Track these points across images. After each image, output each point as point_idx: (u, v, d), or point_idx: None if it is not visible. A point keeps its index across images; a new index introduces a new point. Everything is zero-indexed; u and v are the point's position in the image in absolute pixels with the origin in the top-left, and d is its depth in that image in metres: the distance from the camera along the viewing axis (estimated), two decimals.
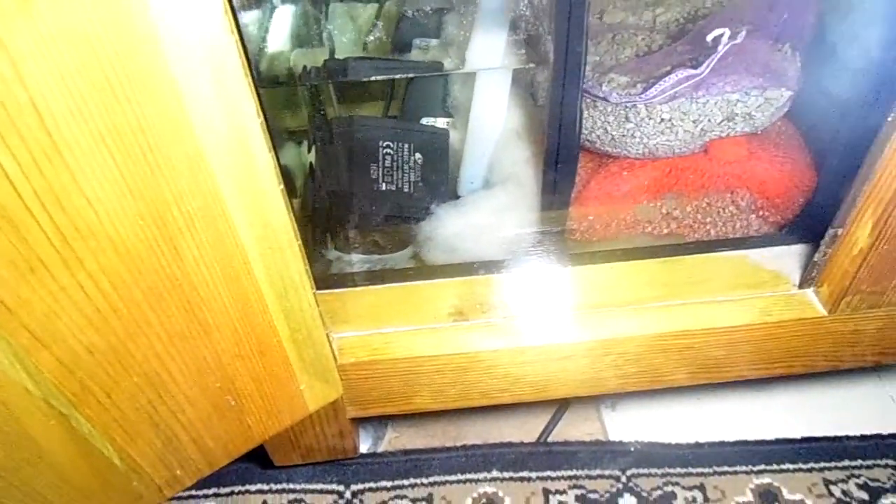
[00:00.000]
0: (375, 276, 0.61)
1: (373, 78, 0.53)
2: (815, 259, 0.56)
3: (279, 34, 0.59)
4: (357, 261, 0.66)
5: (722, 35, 0.50)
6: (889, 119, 0.46)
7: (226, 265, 0.39)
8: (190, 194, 0.35)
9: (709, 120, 0.54)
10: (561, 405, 0.74)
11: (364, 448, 0.71)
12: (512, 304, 0.58)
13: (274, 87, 0.54)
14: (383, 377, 0.58)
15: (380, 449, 0.72)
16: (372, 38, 0.60)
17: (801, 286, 0.58)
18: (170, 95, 0.32)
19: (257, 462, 0.68)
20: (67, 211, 0.32)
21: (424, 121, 0.61)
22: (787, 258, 0.60)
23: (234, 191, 0.37)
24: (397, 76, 0.56)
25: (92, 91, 0.29)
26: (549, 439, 0.71)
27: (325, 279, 0.60)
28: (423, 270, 0.62)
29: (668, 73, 0.53)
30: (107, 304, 0.36)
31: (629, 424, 0.72)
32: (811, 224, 0.58)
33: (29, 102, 0.28)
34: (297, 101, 0.64)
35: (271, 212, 0.40)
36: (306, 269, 0.46)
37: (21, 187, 0.30)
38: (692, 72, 0.51)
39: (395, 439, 0.73)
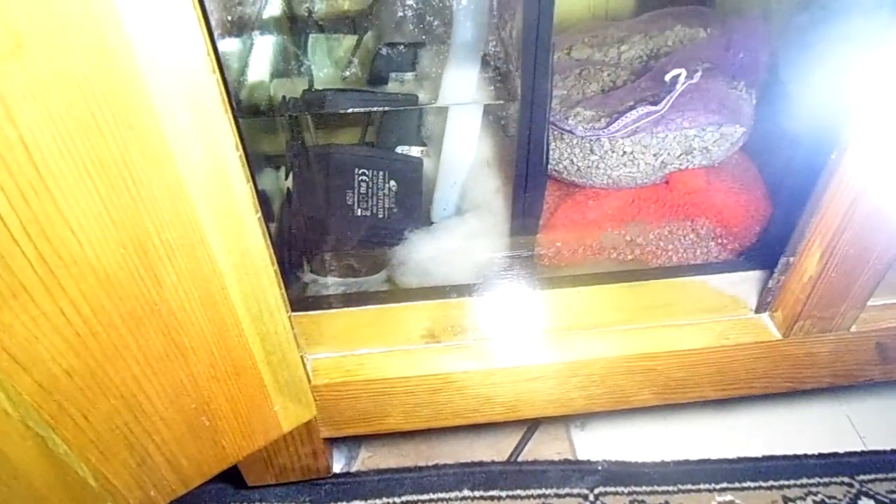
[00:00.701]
0: (350, 299, 0.63)
1: (350, 110, 0.55)
2: (770, 285, 0.59)
3: (259, 64, 0.61)
4: (332, 283, 0.67)
5: (679, 75, 0.53)
6: (832, 157, 0.49)
7: (203, 291, 0.41)
8: (170, 224, 0.37)
9: (668, 153, 0.57)
10: (531, 425, 0.76)
11: (337, 468, 0.72)
12: (483, 326, 0.60)
13: (254, 117, 0.56)
14: (356, 398, 0.59)
15: (353, 468, 0.73)
16: (349, 71, 0.62)
17: (757, 311, 0.61)
18: (153, 131, 0.33)
19: (231, 482, 0.69)
20: (52, 240, 0.33)
21: (399, 149, 0.63)
22: (745, 284, 0.63)
23: (213, 220, 0.39)
24: (373, 109, 0.58)
25: (79, 128, 0.31)
26: (520, 458, 0.73)
27: (300, 301, 0.61)
28: (397, 293, 0.64)
29: (631, 108, 0.56)
30: (86, 329, 0.37)
31: (597, 444, 0.74)
32: (767, 251, 0.61)
33: (18, 140, 0.29)
34: (275, 128, 0.66)
35: (248, 239, 0.41)
36: (281, 294, 0.47)
37: (7, 218, 0.31)
38: (652, 108, 0.54)
39: (369, 459, 0.74)
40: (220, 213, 0.39)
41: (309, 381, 0.56)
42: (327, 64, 0.64)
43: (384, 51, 0.62)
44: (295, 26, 0.65)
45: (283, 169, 0.68)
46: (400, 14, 0.61)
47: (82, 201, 0.33)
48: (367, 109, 0.58)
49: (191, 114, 0.34)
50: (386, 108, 0.60)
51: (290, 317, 0.49)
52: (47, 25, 0.28)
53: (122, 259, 0.36)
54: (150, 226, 0.36)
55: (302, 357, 0.53)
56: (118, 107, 0.31)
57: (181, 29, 0.32)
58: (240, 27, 0.57)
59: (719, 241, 0.63)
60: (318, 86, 0.61)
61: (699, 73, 0.54)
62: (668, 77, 0.54)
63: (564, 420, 0.77)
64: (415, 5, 0.59)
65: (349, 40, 0.67)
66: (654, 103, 0.55)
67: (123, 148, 0.33)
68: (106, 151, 0.32)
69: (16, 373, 0.36)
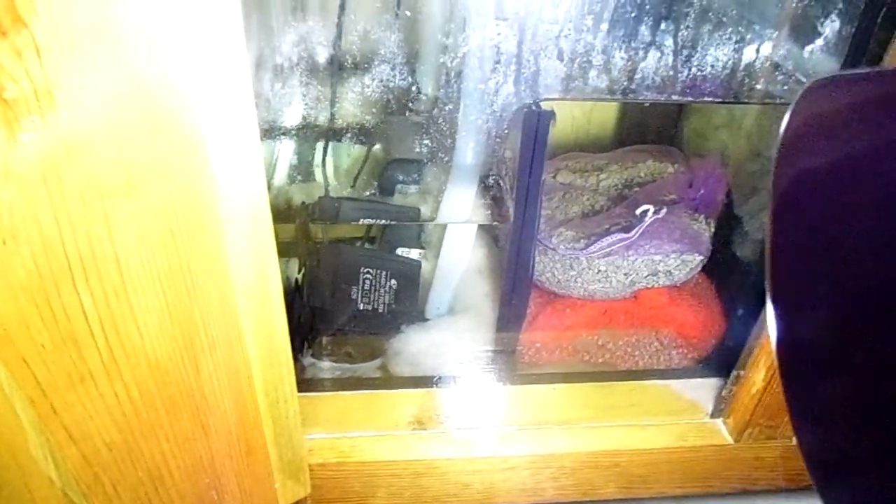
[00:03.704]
0: (345, 383, 0.69)
1: (360, 222, 0.63)
2: (723, 394, 0.66)
3: (281, 170, 0.69)
4: (328, 367, 0.73)
5: (648, 210, 0.62)
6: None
7: (233, 379, 0.47)
8: (216, 321, 0.43)
9: (637, 273, 0.66)
10: None
11: None
12: (465, 416, 0.66)
13: (280, 222, 0.63)
14: (347, 478, 0.64)
15: None
16: (360, 180, 0.70)
17: (712, 416, 0.68)
18: (216, 246, 0.40)
19: None
20: (121, 335, 0.39)
21: (400, 250, 0.71)
22: (702, 390, 0.70)
23: (250, 317, 0.45)
24: (382, 222, 0.66)
25: (160, 245, 0.38)
26: None
27: (299, 383, 0.67)
28: (389, 381, 0.70)
29: (607, 232, 0.65)
30: (132, 409, 0.43)
31: None
32: (721, 362, 0.69)
33: (113, 255, 0.36)
34: (287, 221, 0.72)
35: (276, 334, 0.48)
36: (294, 381, 0.53)
37: (91, 317, 0.37)
38: (624, 235, 0.63)
39: None
40: (257, 311, 0.46)
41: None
42: (341, 172, 0.73)
43: (392, 164, 0.70)
44: (314, 136, 0.73)
45: (289, 259, 0.75)
46: (407, 133, 0.70)
47: (151, 302, 0.39)
48: (377, 222, 0.66)
49: (247, 230, 0.42)
50: (391, 223, 0.67)
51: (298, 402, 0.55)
52: (156, 171, 0.35)
53: (173, 350, 0.42)
54: (199, 323, 0.42)
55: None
56: (194, 227, 0.38)
57: (250, 166, 0.40)
58: (270, 138, 0.65)
59: (680, 350, 0.71)
60: (332, 192, 0.69)
61: (664, 210, 0.63)
62: (638, 211, 0.63)
63: None
64: (420, 125, 0.67)
65: (360, 150, 0.75)
66: (627, 231, 0.64)
67: (191, 259, 0.39)
68: (176, 262, 0.39)
69: (67, 446, 0.41)
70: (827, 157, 0.28)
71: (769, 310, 0.30)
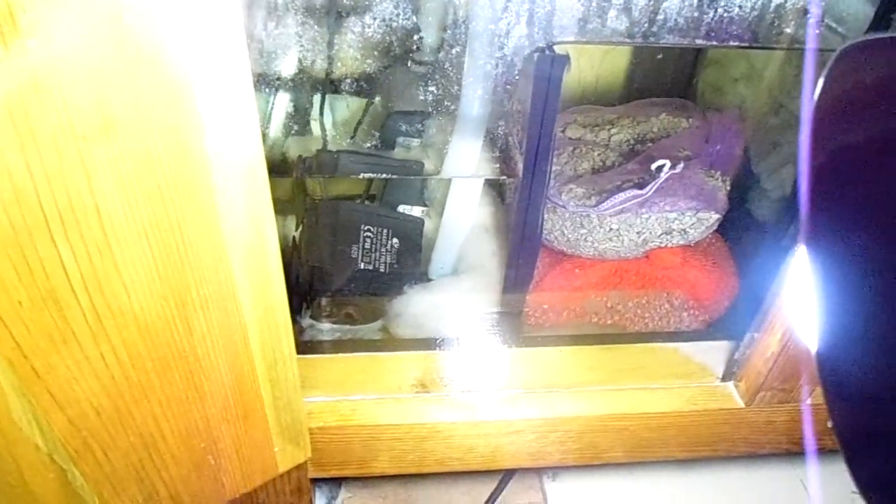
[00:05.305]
0: (346, 345, 0.67)
1: (361, 176, 0.60)
2: (736, 357, 0.64)
3: (277, 121, 0.65)
4: (329, 329, 0.71)
5: (664, 165, 0.59)
6: (796, 249, 0.55)
7: (228, 340, 0.44)
8: (209, 280, 0.40)
9: (650, 232, 0.63)
10: (506, 473, 0.80)
11: None
12: (470, 379, 0.64)
13: (276, 176, 0.60)
14: (348, 442, 0.62)
15: None
16: (359, 132, 0.67)
17: (723, 379, 0.66)
18: (206, 199, 0.37)
19: None
20: (105, 293, 0.36)
21: (402, 208, 0.68)
22: (713, 353, 0.68)
23: (245, 277, 0.43)
24: (383, 176, 0.63)
25: (145, 197, 0.35)
26: None
27: (298, 345, 0.65)
28: (391, 343, 0.68)
29: (619, 188, 0.62)
30: (121, 372, 0.40)
31: (568, 494, 0.77)
32: (733, 324, 0.67)
33: (94, 206, 0.33)
34: (281, 175, 0.69)
35: (273, 295, 0.45)
36: (293, 343, 0.51)
37: (72, 273, 0.34)
38: (638, 192, 0.60)
39: (348, 500, 0.77)
40: (252, 271, 0.43)
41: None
42: (340, 124, 0.69)
43: (393, 116, 0.67)
44: (312, 86, 0.70)
45: (288, 217, 0.72)
46: (409, 82, 0.66)
47: (137, 259, 0.36)
48: (377, 175, 0.63)
49: (240, 184, 0.38)
50: (393, 177, 0.64)
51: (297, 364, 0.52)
52: (136, 112, 0.32)
53: (162, 310, 0.40)
54: (190, 281, 0.40)
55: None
56: (182, 180, 0.35)
57: (243, 111, 0.36)
58: (265, 86, 0.61)
59: (691, 312, 0.69)
60: (331, 146, 0.65)
61: (681, 165, 0.60)
62: (654, 166, 0.60)
63: (538, 470, 0.81)
64: (423, 74, 0.64)
65: (361, 102, 0.71)
66: (640, 187, 0.61)
67: (180, 215, 0.36)
68: (164, 217, 0.36)
69: (52, 410, 0.39)
70: (869, 129, 0.27)
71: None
